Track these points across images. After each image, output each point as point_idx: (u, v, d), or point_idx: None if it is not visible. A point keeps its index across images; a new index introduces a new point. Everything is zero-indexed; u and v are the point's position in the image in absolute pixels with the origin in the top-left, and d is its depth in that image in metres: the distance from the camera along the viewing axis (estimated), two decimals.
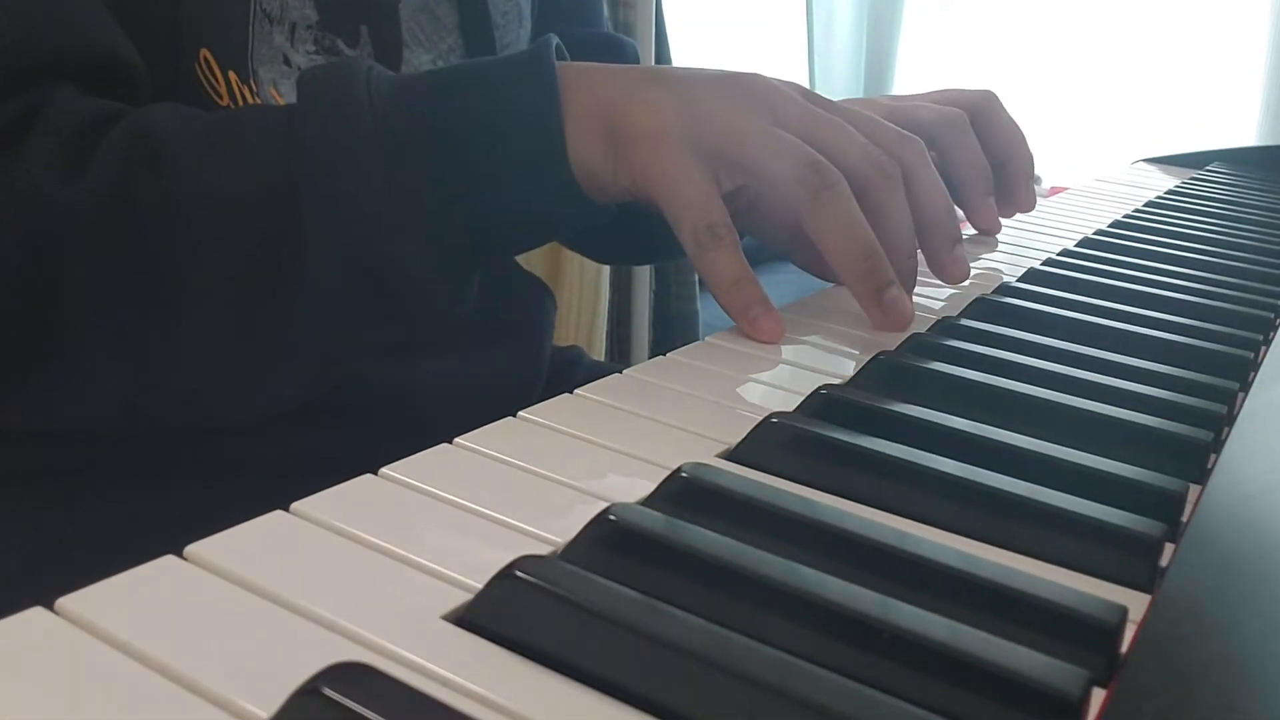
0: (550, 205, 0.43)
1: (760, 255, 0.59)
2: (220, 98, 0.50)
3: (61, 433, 0.47)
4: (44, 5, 0.44)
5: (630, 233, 0.50)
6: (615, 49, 0.75)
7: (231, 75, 0.50)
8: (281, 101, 0.51)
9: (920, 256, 0.47)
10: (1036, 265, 0.60)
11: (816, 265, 0.52)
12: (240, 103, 0.50)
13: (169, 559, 0.24)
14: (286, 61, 0.52)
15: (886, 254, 0.43)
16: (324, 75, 0.43)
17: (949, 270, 0.49)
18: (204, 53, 0.49)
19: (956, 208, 0.52)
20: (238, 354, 0.42)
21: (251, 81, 0.51)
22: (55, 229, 0.41)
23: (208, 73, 0.49)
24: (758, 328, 0.43)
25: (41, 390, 0.43)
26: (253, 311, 0.42)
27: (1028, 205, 0.65)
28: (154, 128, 0.42)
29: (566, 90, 0.42)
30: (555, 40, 0.44)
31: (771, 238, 0.53)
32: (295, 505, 0.26)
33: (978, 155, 0.58)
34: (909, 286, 0.45)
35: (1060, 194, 0.92)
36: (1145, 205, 0.87)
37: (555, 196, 0.43)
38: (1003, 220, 0.66)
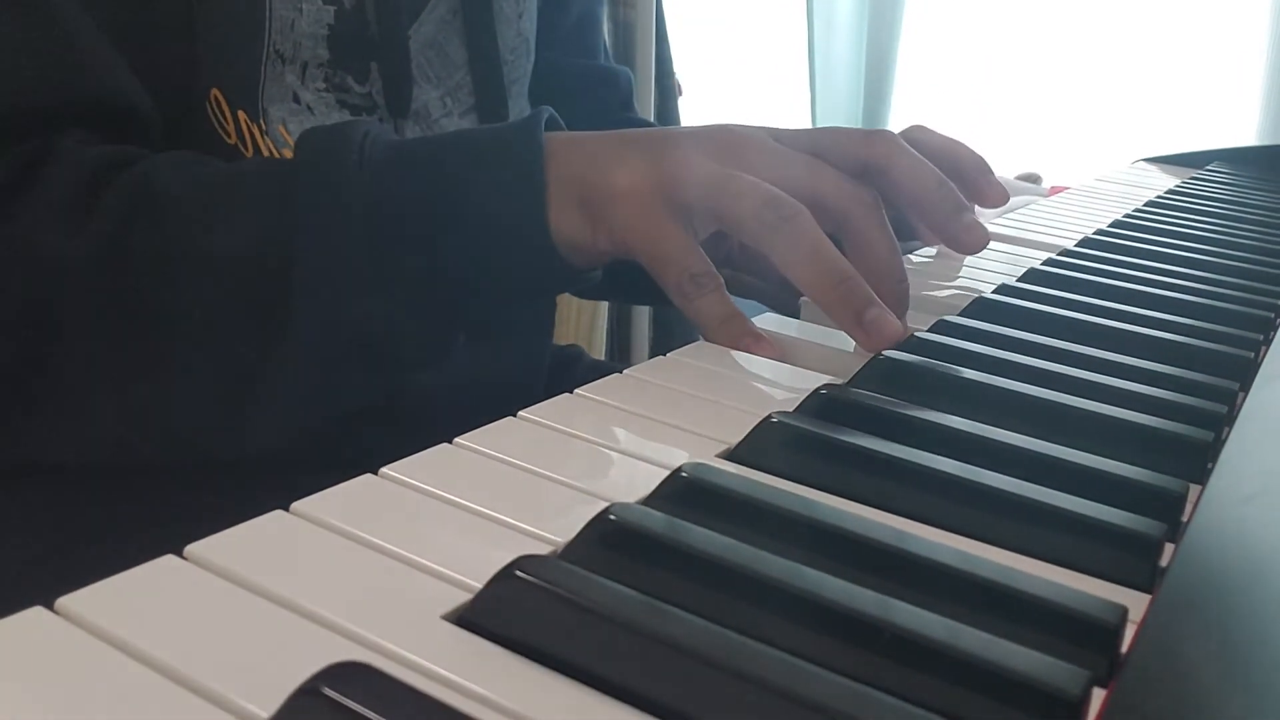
0: (533, 277, 0.45)
1: None
2: (229, 136, 0.51)
3: (56, 464, 0.48)
4: (54, 50, 0.45)
5: (620, 283, 0.51)
6: (610, 81, 0.76)
7: (241, 114, 0.51)
8: (289, 138, 0.52)
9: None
10: (1036, 265, 0.60)
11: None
12: (248, 141, 0.51)
13: (169, 558, 0.24)
14: (296, 99, 0.53)
15: (875, 281, 0.43)
16: (320, 143, 0.44)
17: (963, 239, 0.49)
18: (215, 92, 0.50)
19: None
20: (223, 405, 0.44)
21: (261, 120, 0.51)
22: (54, 280, 0.43)
23: (217, 112, 0.50)
24: (751, 353, 0.43)
25: (36, 426, 0.45)
26: (240, 367, 0.43)
27: (997, 199, 0.65)
28: (156, 184, 0.44)
29: (549, 162, 0.43)
30: (548, 113, 0.45)
31: (763, 275, 0.54)
32: (295, 505, 0.26)
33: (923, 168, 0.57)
34: (901, 310, 0.45)
35: (1060, 194, 0.92)
36: (1145, 205, 0.87)
37: (538, 269, 0.44)
38: (1003, 219, 0.66)
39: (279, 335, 0.42)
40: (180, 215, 0.43)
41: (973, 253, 0.50)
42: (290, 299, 0.42)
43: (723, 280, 0.44)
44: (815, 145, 0.46)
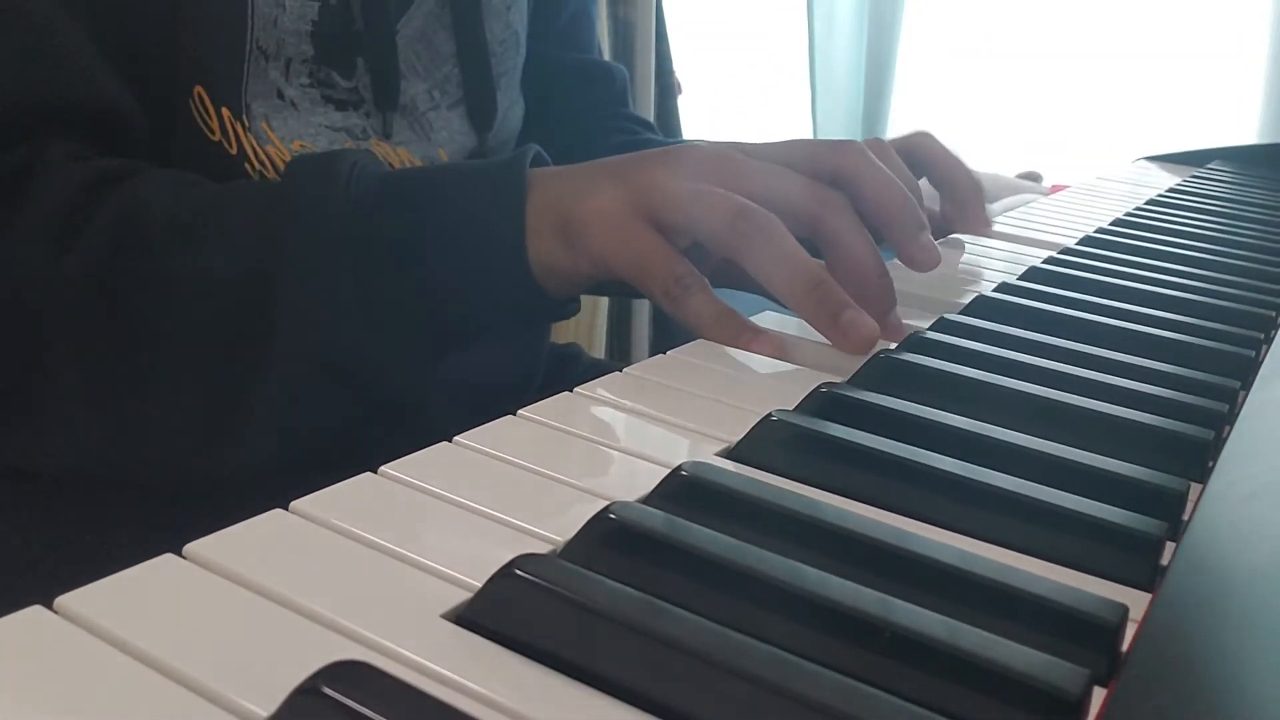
0: (512, 307, 0.46)
1: None
2: (213, 133, 0.51)
3: (49, 472, 0.49)
4: (36, 54, 0.46)
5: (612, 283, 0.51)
6: (604, 76, 0.76)
7: (224, 111, 0.51)
8: (273, 135, 0.52)
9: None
10: (1037, 263, 0.60)
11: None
12: (231, 138, 0.52)
13: (168, 557, 0.24)
14: (280, 96, 0.53)
15: (856, 279, 0.43)
16: (307, 172, 0.44)
17: (917, 259, 0.49)
18: (198, 89, 0.50)
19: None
20: (205, 427, 0.44)
21: (244, 117, 0.52)
22: (42, 297, 0.44)
23: (201, 109, 0.50)
24: (752, 350, 0.43)
25: (21, 438, 0.45)
26: (222, 390, 0.44)
27: (978, 227, 0.65)
28: (145, 206, 0.44)
29: (529, 194, 0.44)
30: (535, 150, 0.46)
31: (749, 288, 0.54)
32: (294, 504, 0.26)
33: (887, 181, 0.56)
34: (888, 304, 0.45)
35: (1061, 192, 0.92)
36: (1146, 203, 0.87)
37: (517, 299, 0.45)
38: (1004, 217, 0.66)
39: (261, 360, 0.43)
40: (168, 238, 0.44)
41: (924, 271, 0.49)
42: (273, 325, 0.43)
43: (707, 282, 0.44)
44: (785, 158, 0.46)
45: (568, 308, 0.47)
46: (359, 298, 0.43)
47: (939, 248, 0.50)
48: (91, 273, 0.43)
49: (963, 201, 0.64)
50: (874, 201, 0.47)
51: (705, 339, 0.43)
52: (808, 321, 0.43)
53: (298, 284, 0.42)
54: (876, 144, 0.56)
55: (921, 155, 0.62)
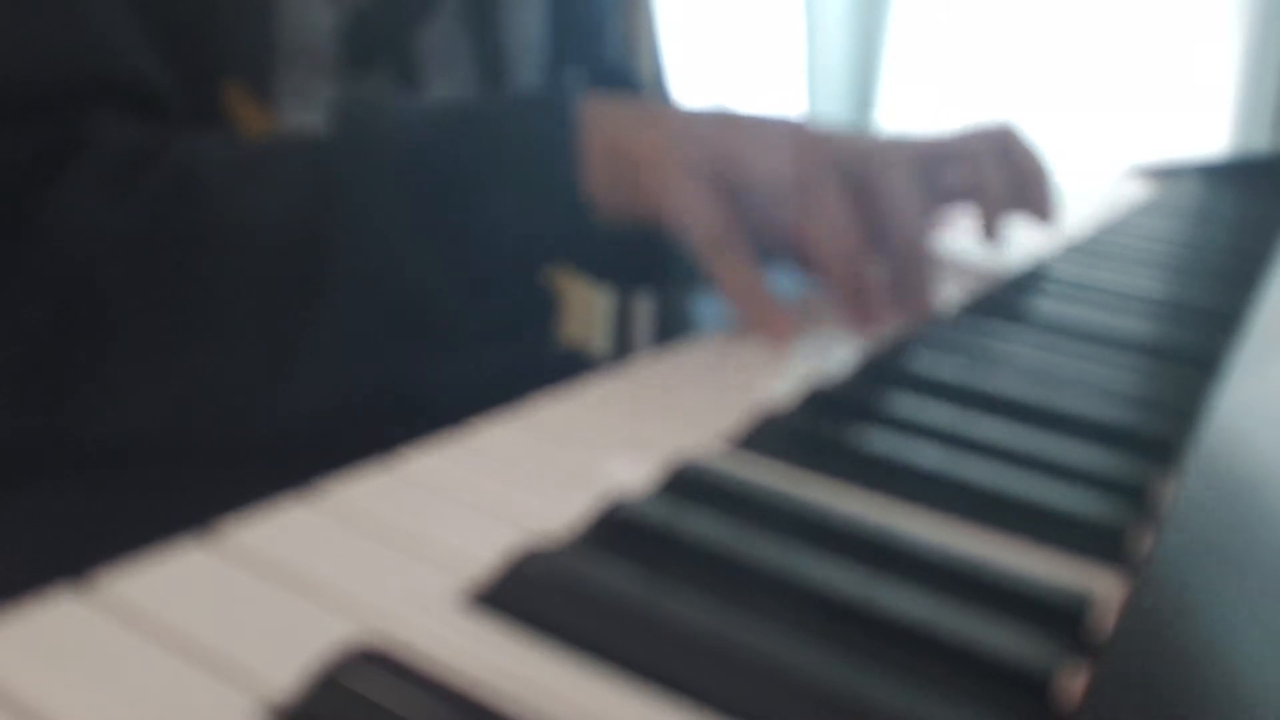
0: (565, 235, 0.45)
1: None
2: (248, 130, 0.51)
3: (99, 444, 0.48)
4: (86, 32, 0.46)
5: (635, 255, 0.51)
6: (623, 79, 0.76)
7: (254, 107, 0.51)
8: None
9: None
10: (1031, 267, 0.60)
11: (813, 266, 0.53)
12: (260, 132, 0.52)
13: (194, 542, 0.24)
14: (307, 93, 0.53)
15: (894, 240, 0.44)
16: (354, 110, 0.45)
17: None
18: (231, 84, 0.51)
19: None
20: (266, 369, 0.44)
21: (274, 114, 0.52)
22: (98, 253, 0.43)
23: (234, 104, 0.51)
24: (769, 330, 0.44)
25: (81, 401, 0.45)
26: (281, 330, 0.44)
27: (1047, 215, 0.65)
28: (197, 159, 0.44)
29: (583, 125, 0.44)
30: (578, 80, 0.46)
31: (770, 244, 0.54)
32: (314, 492, 0.27)
33: (998, 186, 0.56)
34: (921, 274, 0.46)
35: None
36: (1128, 212, 0.88)
37: (570, 228, 0.45)
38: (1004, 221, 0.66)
39: (319, 299, 0.43)
40: (222, 184, 0.44)
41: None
42: (330, 259, 0.42)
43: (748, 245, 0.44)
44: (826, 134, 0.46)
45: (618, 236, 0.47)
46: (415, 229, 0.43)
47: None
48: (145, 225, 0.43)
49: (1036, 202, 0.60)
50: (897, 241, 0.46)
51: (730, 304, 0.44)
52: (833, 287, 0.44)
53: (351, 218, 0.42)
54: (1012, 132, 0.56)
55: (1001, 143, 0.59)
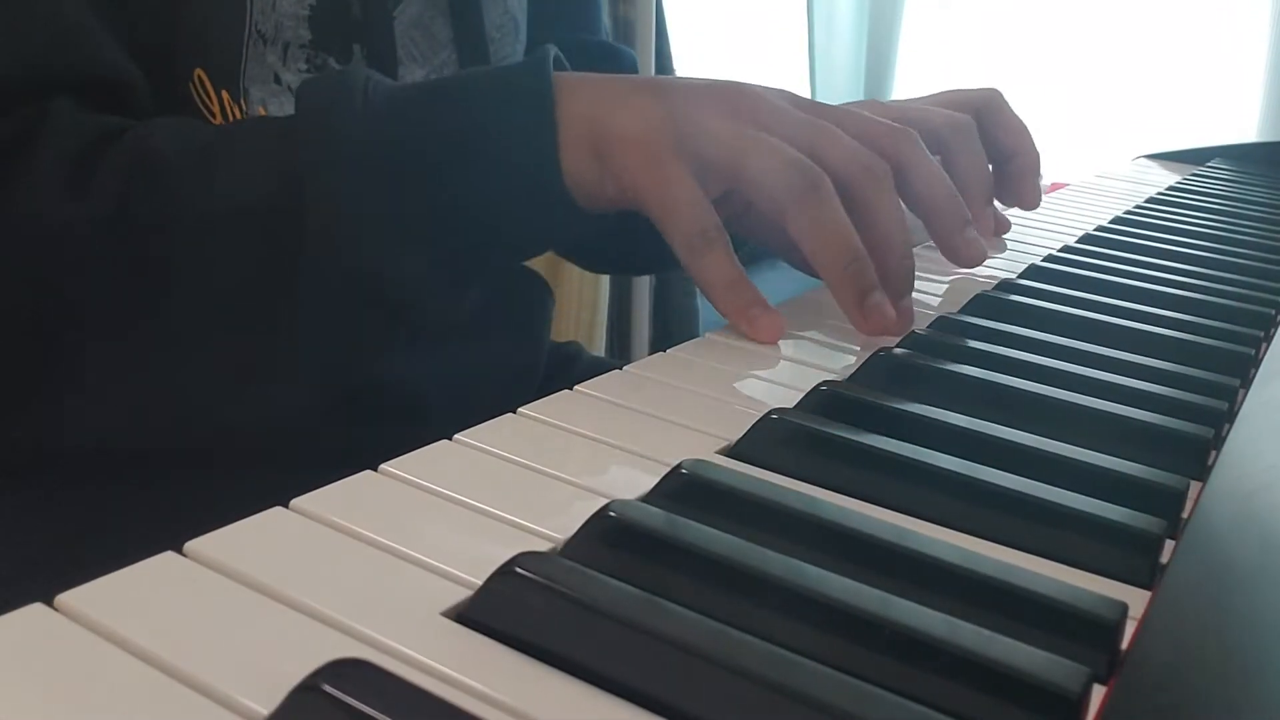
0: (543, 217, 0.44)
1: (759, 253, 0.59)
2: (213, 116, 0.51)
3: (74, 449, 0.47)
4: (44, 23, 0.45)
5: (620, 242, 0.50)
6: (613, 57, 0.75)
7: (224, 94, 0.50)
8: None
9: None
10: (1038, 261, 0.60)
11: (809, 266, 0.52)
12: (231, 120, 0.51)
13: (169, 555, 0.24)
14: (277, 80, 0.53)
15: (878, 255, 0.43)
16: (321, 87, 0.43)
17: (962, 253, 0.48)
18: (198, 72, 0.50)
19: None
20: (241, 363, 0.43)
21: (242, 100, 0.51)
22: (60, 247, 0.42)
23: (201, 92, 0.50)
24: (757, 327, 0.42)
25: (51, 406, 0.44)
26: (255, 321, 0.42)
27: (1032, 202, 0.65)
28: (155, 144, 0.43)
29: (558, 101, 0.42)
30: (554, 51, 0.44)
31: (765, 240, 0.53)
32: (295, 501, 0.26)
33: (982, 164, 0.57)
34: (905, 288, 0.44)
35: (1061, 190, 0.92)
36: (1146, 201, 0.87)
37: (548, 209, 0.43)
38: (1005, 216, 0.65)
39: (292, 289, 0.41)
40: (183, 170, 0.42)
41: (968, 267, 0.50)
42: (300, 243, 0.41)
43: (730, 242, 0.43)
44: (838, 120, 0.45)
45: (598, 218, 0.45)
46: (387, 212, 0.41)
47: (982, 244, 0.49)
48: (106, 214, 0.41)
49: (1019, 173, 0.63)
50: (923, 194, 0.46)
51: (712, 303, 0.43)
52: (834, 293, 0.42)
53: (322, 203, 0.41)
54: (996, 96, 0.56)
55: (990, 116, 0.60)
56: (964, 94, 0.61)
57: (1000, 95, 0.62)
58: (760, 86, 0.45)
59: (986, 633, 0.22)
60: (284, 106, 0.53)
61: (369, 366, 0.45)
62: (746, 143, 0.41)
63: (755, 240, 0.55)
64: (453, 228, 0.42)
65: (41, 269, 0.42)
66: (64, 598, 0.22)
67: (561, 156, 0.42)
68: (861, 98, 2.72)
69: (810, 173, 0.41)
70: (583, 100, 0.42)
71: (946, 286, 0.54)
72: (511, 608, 0.22)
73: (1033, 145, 0.63)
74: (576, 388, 0.36)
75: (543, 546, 0.26)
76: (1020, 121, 0.62)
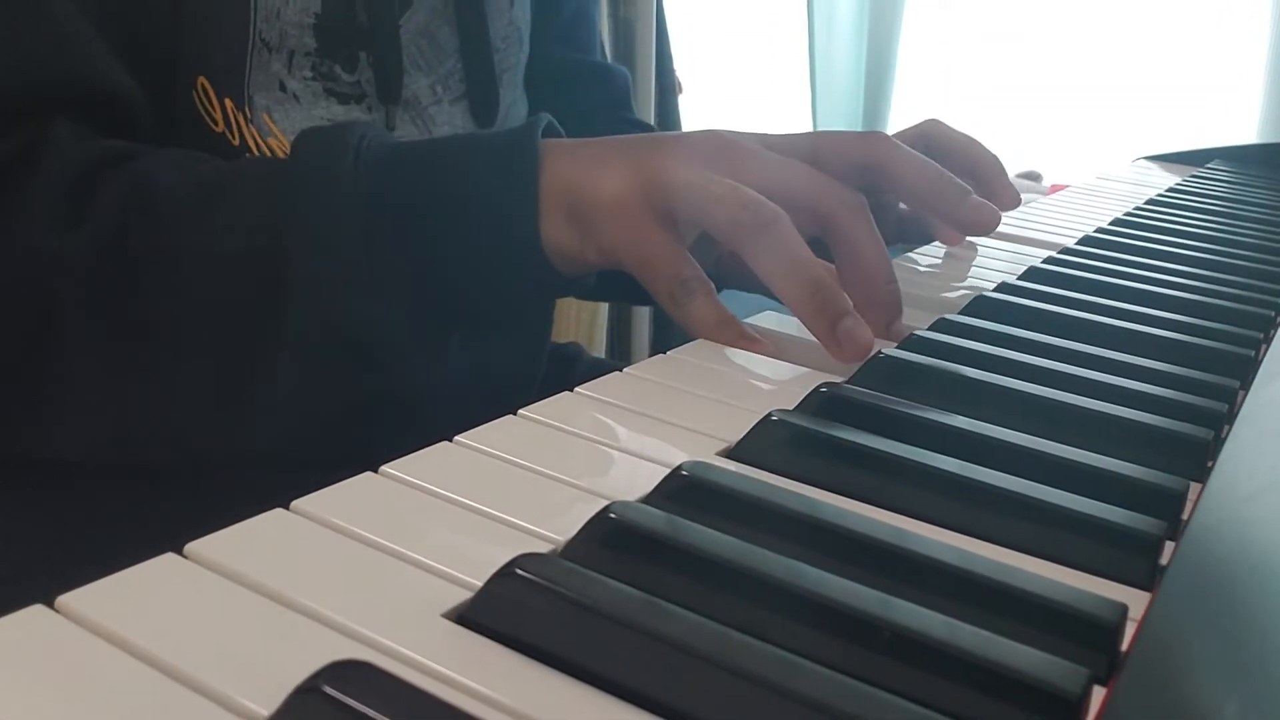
0: (524, 283, 0.45)
1: None
2: (216, 124, 0.51)
3: (55, 461, 0.48)
4: (40, 39, 0.45)
5: (616, 286, 0.51)
6: (605, 78, 0.76)
7: (228, 102, 0.51)
8: (274, 127, 0.52)
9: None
10: (1037, 263, 0.60)
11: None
12: (235, 129, 0.51)
13: (169, 556, 0.24)
14: (282, 88, 0.53)
15: (863, 284, 0.43)
16: (316, 144, 0.44)
17: (973, 220, 0.48)
18: (201, 80, 0.50)
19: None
20: (218, 403, 0.44)
21: (246, 109, 0.52)
22: (50, 277, 0.43)
23: (204, 100, 0.50)
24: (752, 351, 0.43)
25: (35, 423, 0.45)
26: (235, 364, 0.43)
27: (1009, 201, 0.65)
28: (152, 181, 0.44)
29: (543, 170, 0.43)
30: (546, 120, 0.45)
31: (750, 285, 0.54)
32: (295, 503, 0.26)
33: (938, 170, 0.56)
34: (894, 312, 0.44)
35: (1061, 192, 0.92)
36: (1146, 203, 0.87)
37: (528, 275, 0.44)
38: (1004, 217, 0.65)
39: (274, 335, 0.42)
40: (176, 213, 0.43)
41: (987, 232, 0.49)
42: (285, 299, 0.42)
43: (712, 285, 0.43)
44: (811, 151, 0.45)
45: (579, 283, 0.46)
46: (370, 269, 0.42)
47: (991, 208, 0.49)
48: (99, 250, 0.42)
49: (987, 179, 0.63)
50: (911, 181, 0.46)
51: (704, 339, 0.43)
52: (805, 325, 0.42)
53: (308, 256, 0.42)
54: (935, 124, 0.56)
55: (936, 143, 0.61)
56: (906, 134, 0.62)
57: (939, 122, 0.63)
58: (733, 133, 0.45)
59: (986, 634, 0.22)
60: (289, 114, 0.53)
61: (343, 409, 0.46)
62: (705, 187, 0.42)
63: (740, 286, 0.55)
64: (433, 290, 0.44)
65: (32, 296, 0.43)
66: (64, 599, 0.22)
67: (541, 225, 0.43)
68: (862, 98, 2.72)
69: (763, 210, 0.41)
70: (565, 170, 0.44)
71: (946, 287, 0.54)
72: (512, 609, 0.22)
73: (986, 151, 0.63)
74: (577, 389, 0.36)
75: (543, 548, 0.26)
76: (965, 136, 0.63)
